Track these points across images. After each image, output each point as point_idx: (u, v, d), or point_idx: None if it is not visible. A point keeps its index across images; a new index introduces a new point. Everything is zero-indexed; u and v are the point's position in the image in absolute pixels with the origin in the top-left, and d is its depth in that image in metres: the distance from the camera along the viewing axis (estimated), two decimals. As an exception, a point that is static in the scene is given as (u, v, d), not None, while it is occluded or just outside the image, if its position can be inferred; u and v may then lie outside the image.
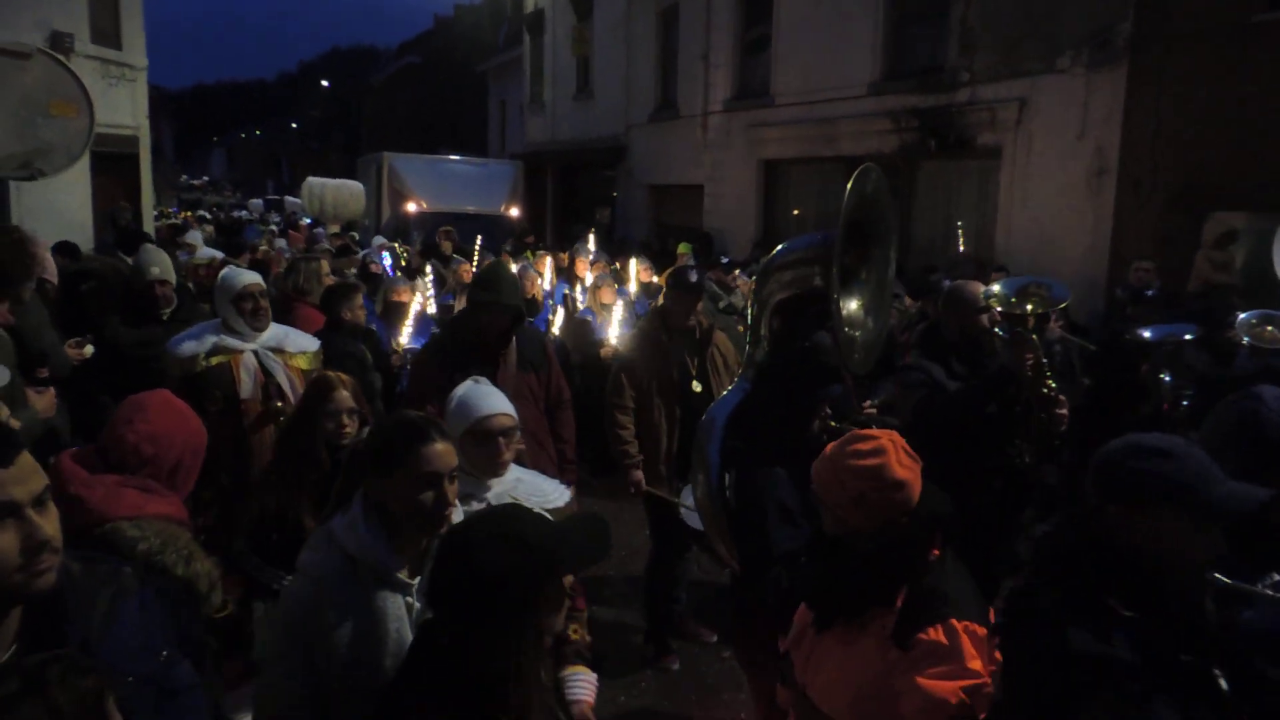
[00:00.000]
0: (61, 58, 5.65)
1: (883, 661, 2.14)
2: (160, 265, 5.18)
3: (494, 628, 1.73)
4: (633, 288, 8.75)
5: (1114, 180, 9.46)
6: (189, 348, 4.13)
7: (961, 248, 9.76)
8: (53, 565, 1.47)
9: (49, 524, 1.47)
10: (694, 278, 4.99)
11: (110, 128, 11.77)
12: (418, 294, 7.07)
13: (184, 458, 2.45)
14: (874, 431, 2.35)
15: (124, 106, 13.48)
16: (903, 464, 2.24)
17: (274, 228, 19.68)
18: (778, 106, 14.56)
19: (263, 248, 12.18)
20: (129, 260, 7.33)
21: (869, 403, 3.80)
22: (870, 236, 3.50)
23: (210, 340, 4.15)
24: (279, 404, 4.11)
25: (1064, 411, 3.91)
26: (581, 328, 7.65)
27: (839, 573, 2.29)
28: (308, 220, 20.52)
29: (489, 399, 2.82)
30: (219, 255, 9.64)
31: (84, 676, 1.22)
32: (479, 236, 11.26)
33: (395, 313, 6.77)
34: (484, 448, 2.76)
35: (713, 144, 16.30)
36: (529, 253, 12.39)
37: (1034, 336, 3.92)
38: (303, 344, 4.42)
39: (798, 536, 3.24)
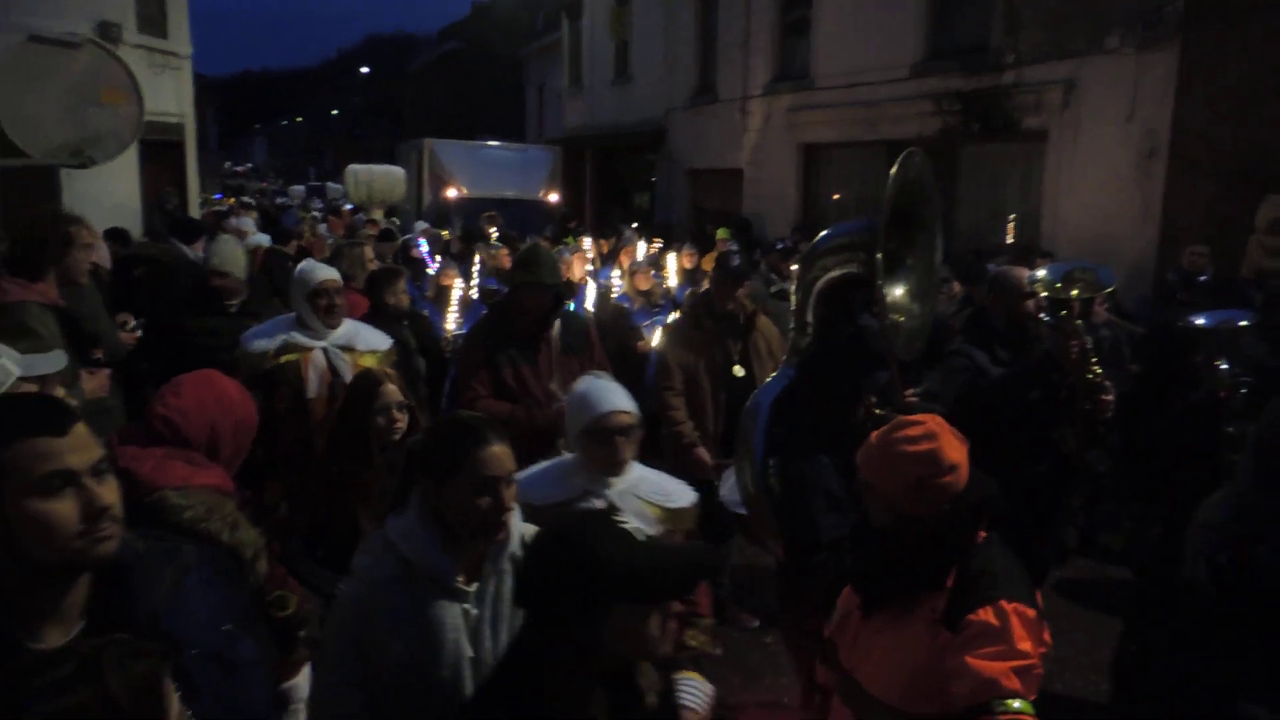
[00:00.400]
0: (110, 47, 5.73)
1: (932, 644, 2.14)
2: (219, 256, 5.12)
3: (545, 640, 1.70)
4: (673, 280, 8.70)
5: (1164, 163, 9.26)
6: (260, 345, 4.08)
7: (1010, 239, 9.61)
8: (114, 534, 1.51)
9: (108, 493, 1.50)
10: (736, 263, 5.01)
11: (156, 116, 11.92)
12: (458, 279, 7.11)
13: (220, 431, 2.48)
14: (919, 416, 2.34)
15: (169, 94, 13.64)
16: (953, 446, 2.23)
17: (315, 214, 19.83)
18: (818, 90, 14.42)
19: (307, 236, 12.29)
20: (183, 247, 7.46)
21: (912, 390, 3.77)
22: (915, 222, 3.47)
23: (280, 337, 4.10)
24: None
25: (1109, 398, 3.86)
26: (617, 315, 7.64)
27: (888, 559, 2.28)
28: (349, 206, 20.66)
29: (609, 395, 2.72)
30: (266, 242, 9.74)
31: (139, 660, 1.23)
32: (492, 223, 11.39)
33: (445, 298, 6.84)
34: (603, 446, 2.69)
35: (752, 128, 16.19)
36: (569, 238, 12.39)
37: (1079, 322, 3.86)
38: (374, 342, 4.32)
39: (843, 524, 3.23)
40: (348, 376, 3.98)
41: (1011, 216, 10.02)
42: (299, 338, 4.10)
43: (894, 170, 3.31)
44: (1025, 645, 2.06)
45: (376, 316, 5.23)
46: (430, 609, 2.05)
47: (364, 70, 62.86)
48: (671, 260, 8.92)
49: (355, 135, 60.00)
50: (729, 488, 4.55)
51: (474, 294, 7.50)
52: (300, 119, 74.87)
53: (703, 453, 4.69)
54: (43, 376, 2.71)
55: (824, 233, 3.70)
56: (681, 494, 2.80)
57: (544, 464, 2.83)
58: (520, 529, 2.19)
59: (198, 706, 1.58)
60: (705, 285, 5.41)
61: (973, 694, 2.03)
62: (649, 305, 7.58)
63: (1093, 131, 10.02)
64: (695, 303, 5.15)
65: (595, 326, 6.92)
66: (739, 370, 4.84)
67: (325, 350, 4.11)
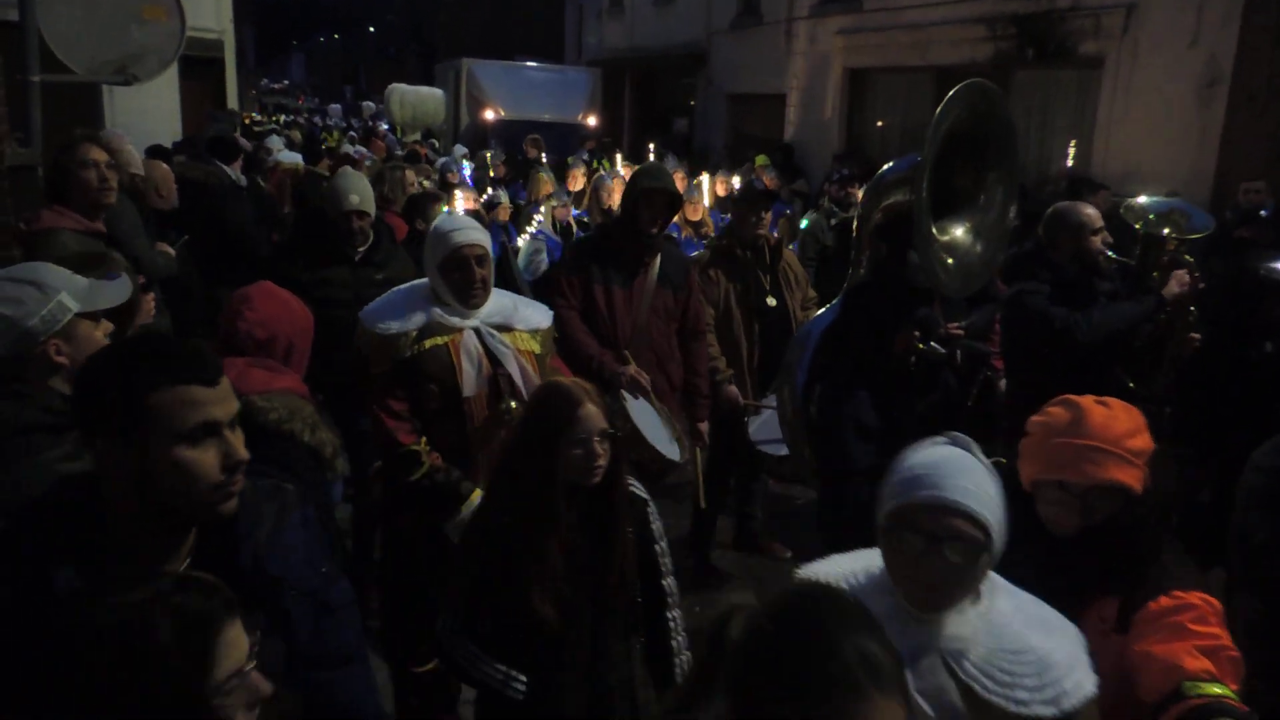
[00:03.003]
0: (150, -40, 5.67)
1: (1105, 645, 1.86)
2: (360, 193, 4.30)
3: None
4: (707, 201, 8.58)
5: (1226, 92, 8.93)
6: (391, 325, 3.07)
7: (1070, 163, 9.44)
8: (240, 487, 1.53)
9: (241, 444, 1.52)
10: (760, 188, 4.93)
11: (196, 32, 11.86)
12: (461, 199, 6.97)
13: (294, 340, 2.66)
14: (1095, 399, 2.05)
15: (209, 10, 13.54)
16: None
17: (352, 134, 19.76)
18: (866, 12, 14.00)
19: (344, 150, 12.22)
20: (224, 167, 7.45)
21: (955, 325, 3.73)
22: (987, 158, 3.39)
23: (417, 316, 3.08)
24: (512, 404, 3.07)
25: (1196, 336, 3.82)
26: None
27: (1071, 563, 2.00)
28: (385, 126, 20.53)
29: (961, 477, 1.60)
30: (301, 161, 9.66)
31: (203, 598, 1.22)
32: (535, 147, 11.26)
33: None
34: (909, 545, 1.60)
35: (797, 51, 15.80)
36: (604, 161, 12.23)
37: (1189, 257, 3.81)
38: (534, 319, 3.29)
39: (872, 452, 3.25)
40: (512, 367, 3.10)
41: (1073, 143, 9.83)
42: (443, 316, 3.08)
43: (946, 100, 3.22)
44: (1208, 628, 1.81)
45: (414, 242, 5.25)
46: None
47: (401, -14, 61.82)
48: (705, 186, 8.79)
49: (391, 54, 59.40)
50: (758, 426, 4.57)
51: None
52: (337, 36, 74.16)
53: (733, 390, 4.67)
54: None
55: (887, 166, 3.62)
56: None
57: None
58: None
59: (296, 644, 1.62)
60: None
61: (1158, 682, 1.75)
62: (697, 235, 7.50)
63: (1152, 58, 9.66)
64: (725, 234, 5.08)
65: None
66: (771, 301, 4.79)
67: (478, 330, 3.11)
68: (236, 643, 1.24)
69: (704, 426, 4.45)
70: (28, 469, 1.94)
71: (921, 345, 3.64)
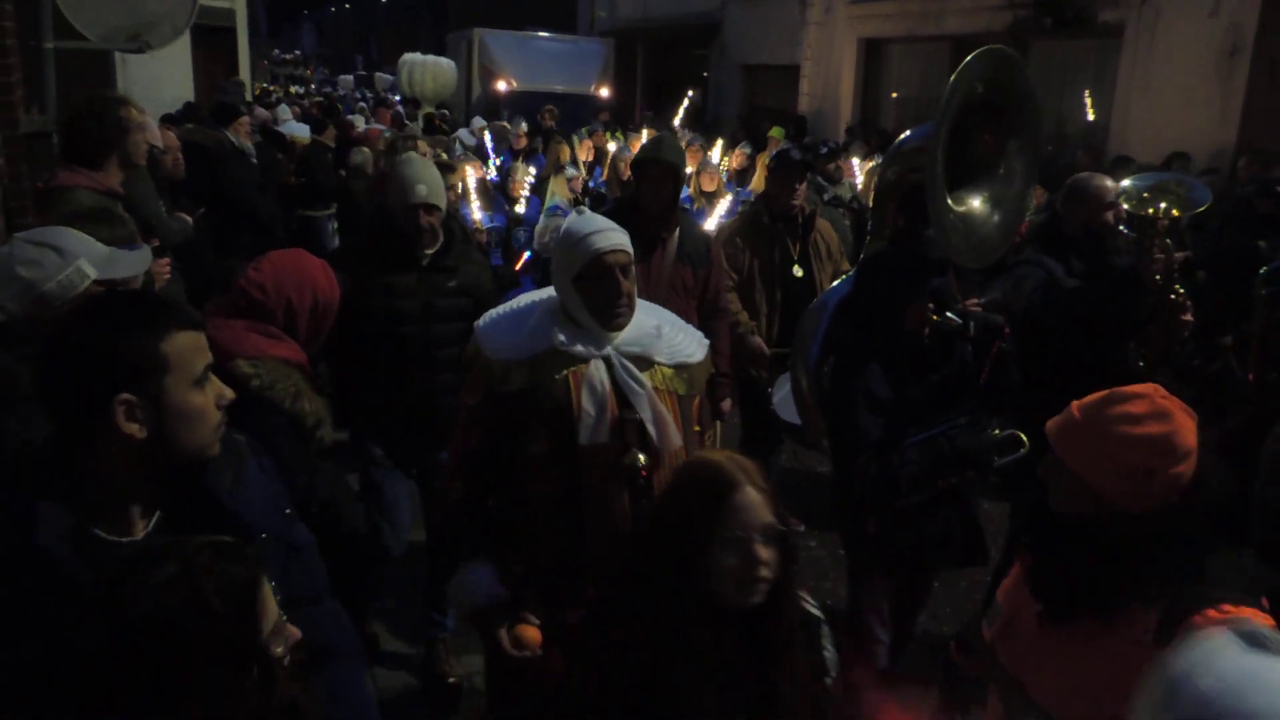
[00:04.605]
0: (161, -72, 5.63)
1: (1146, 664, 1.61)
2: (429, 183, 3.58)
3: None
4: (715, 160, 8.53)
5: (1247, 61, 8.80)
6: (503, 347, 2.40)
7: (1091, 117, 9.36)
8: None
9: (225, 386, 1.57)
10: (796, 157, 4.91)
11: (208, 0, 11.82)
12: (470, 169, 6.94)
13: (297, 309, 2.58)
14: (1142, 388, 1.83)
15: (219, -21, 13.50)
16: (1187, 426, 1.76)
17: (364, 105, 19.64)
18: (882, -20, 13.86)
19: (350, 118, 12.09)
20: (225, 132, 7.43)
21: (974, 300, 3.70)
22: (1007, 126, 3.34)
23: (538, 339, 2.38)
24: (640, 457, 2.34)
25: (1188, 318, 3.77)
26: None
27: (1089, 563, 1.79)
28: (398, 98, 20.42)
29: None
30: (305, 134, 9.60)
31: (234, 563, 1.26)
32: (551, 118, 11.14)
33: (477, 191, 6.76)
34: None
35: (811, 21, 15.63)
36: (618, 133, 12.15)
37: (1168, 241, 3.74)
38: (683, 348, 2.52)
39: (881, 425, 3.24)
40: (645, 412, 2.35)
41: (1086, 93, 9.80)
42: (567, 340, 2.36)
43: (963, 65, 3.17)
44: None
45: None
46: None
47: (412, -45, 61.28)
48: (718, 154, 8.73)
49: (402, 23, 59.02)
50: (781, 397, 4.56)
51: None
52: (348, 5, 73.73)
53: (759, 342, 4.66)
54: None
55: (905, 134, 3.59)
56: None
57: None
58: None
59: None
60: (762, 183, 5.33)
61: None
62: (711, 206, 7.46)
63: (1172, 27, 9.53)
64: (756, 201, 5.08)
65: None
66: (798, 270, 4.78)
67: (608, 361, 2.39)
68: (270, 596, 1.29)
69: (726, 405, 4.43)
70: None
71: (936, 317, 3.62)
